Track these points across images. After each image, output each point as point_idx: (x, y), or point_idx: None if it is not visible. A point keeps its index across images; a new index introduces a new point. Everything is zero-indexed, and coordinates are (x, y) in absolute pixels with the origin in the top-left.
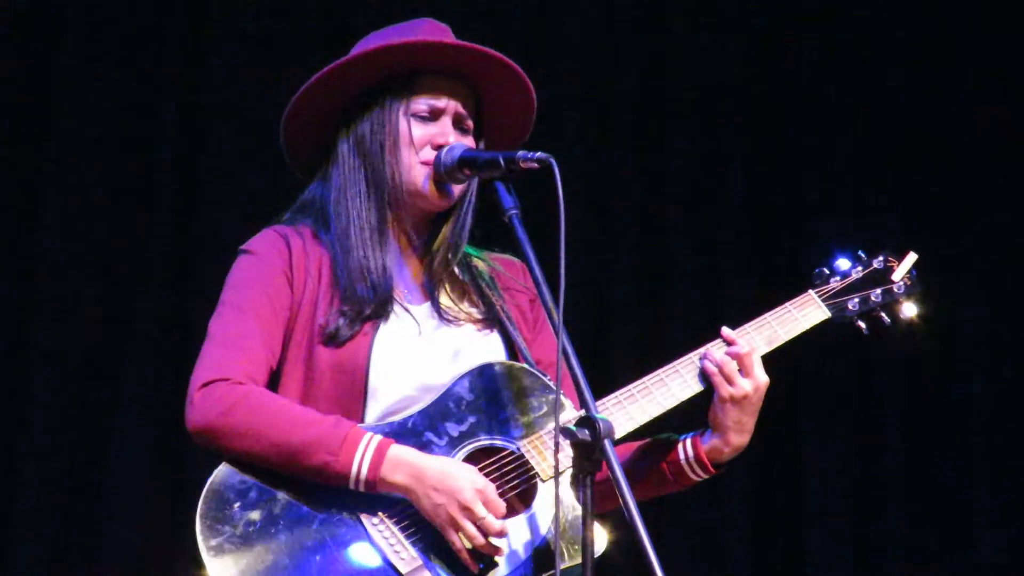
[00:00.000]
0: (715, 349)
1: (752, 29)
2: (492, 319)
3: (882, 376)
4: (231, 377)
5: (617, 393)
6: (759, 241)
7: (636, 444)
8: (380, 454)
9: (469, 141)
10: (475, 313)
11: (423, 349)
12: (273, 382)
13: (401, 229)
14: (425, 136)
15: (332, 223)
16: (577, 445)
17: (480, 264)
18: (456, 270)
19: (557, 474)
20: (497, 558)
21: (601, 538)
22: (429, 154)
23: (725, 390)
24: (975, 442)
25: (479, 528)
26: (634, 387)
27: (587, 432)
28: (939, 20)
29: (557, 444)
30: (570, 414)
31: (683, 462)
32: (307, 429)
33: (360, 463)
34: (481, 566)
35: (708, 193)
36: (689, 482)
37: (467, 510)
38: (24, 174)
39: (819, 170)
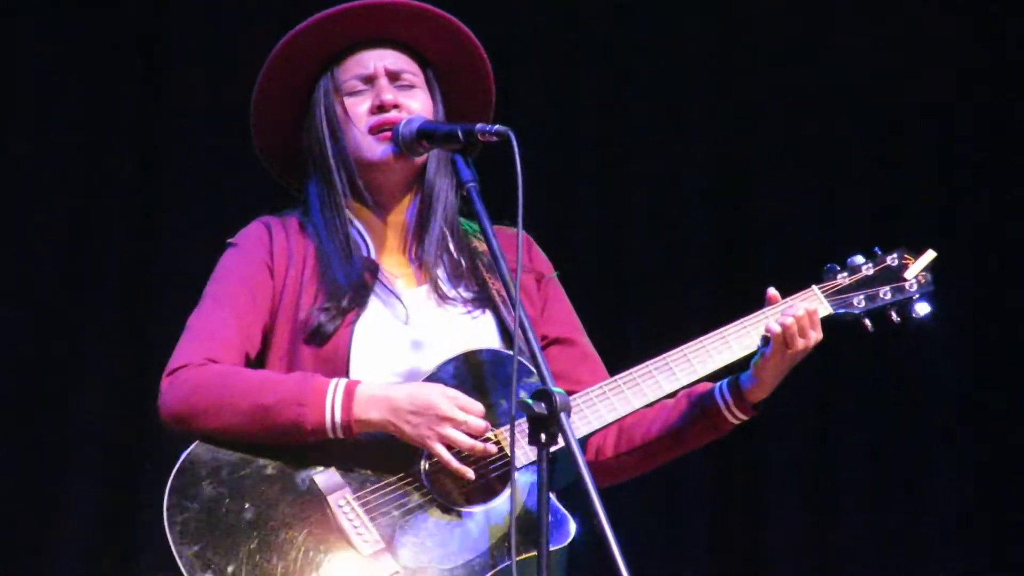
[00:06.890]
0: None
1: (718, 27)
2: (486, 301)
3: (847, 369)
4: (193, 362)
5: (602, 384)
6: (721, 240)
7: (670, 401)
8: (349, 395)
9: (415, 98)
10: (469, 295)
11: (408, 335)
12: None
13: (378, 214)
14: (362, 107)
15: (312, 217)
16: (533, 419)
17: (480, 244)
18: (453, 250)
19: (513, 456)
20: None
21: (570, 527)
22: (373, 119)
23: (799, 343)
24: (940, 430)
25: (466, 432)
26: (620, 378)
27: (543, 405)
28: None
29: (513, 421)
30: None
31: (723, 407)
32: (274, 388)
33: (332, 408)
34: (478, 469)
35: (671, 191)
36: (728, 427)
37: (447, 419)
38: None
39: (785, 166)
